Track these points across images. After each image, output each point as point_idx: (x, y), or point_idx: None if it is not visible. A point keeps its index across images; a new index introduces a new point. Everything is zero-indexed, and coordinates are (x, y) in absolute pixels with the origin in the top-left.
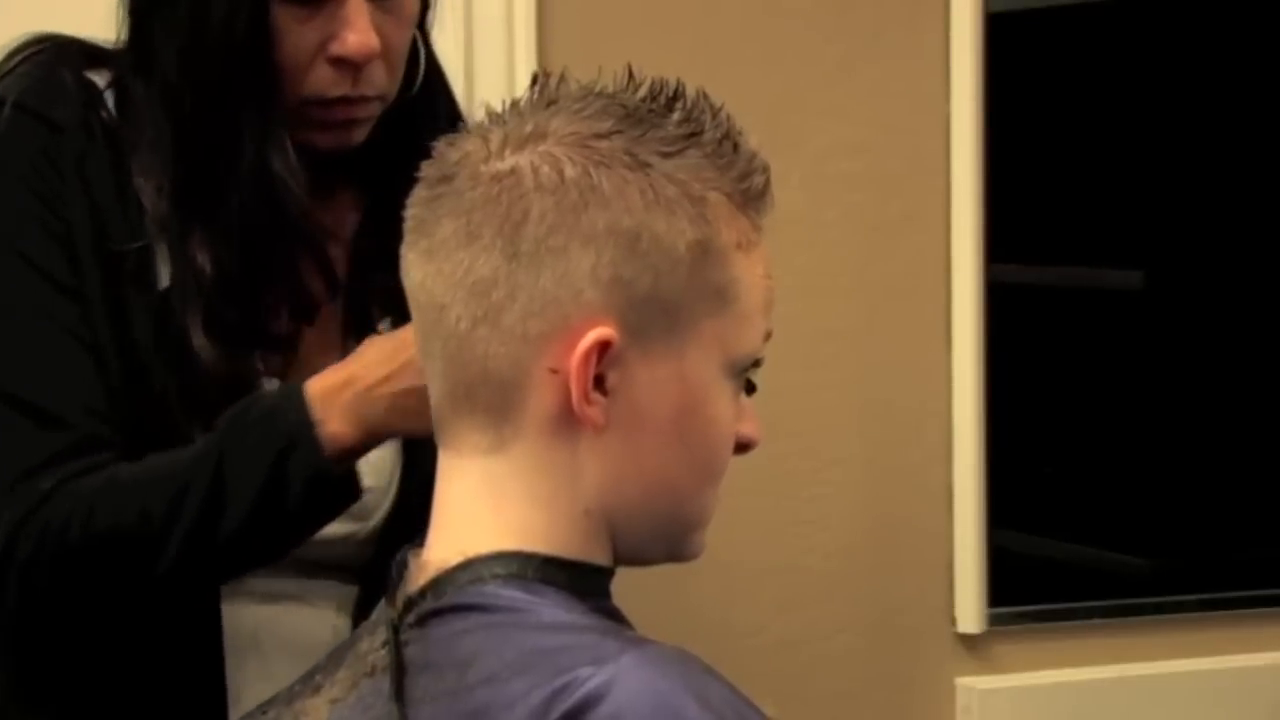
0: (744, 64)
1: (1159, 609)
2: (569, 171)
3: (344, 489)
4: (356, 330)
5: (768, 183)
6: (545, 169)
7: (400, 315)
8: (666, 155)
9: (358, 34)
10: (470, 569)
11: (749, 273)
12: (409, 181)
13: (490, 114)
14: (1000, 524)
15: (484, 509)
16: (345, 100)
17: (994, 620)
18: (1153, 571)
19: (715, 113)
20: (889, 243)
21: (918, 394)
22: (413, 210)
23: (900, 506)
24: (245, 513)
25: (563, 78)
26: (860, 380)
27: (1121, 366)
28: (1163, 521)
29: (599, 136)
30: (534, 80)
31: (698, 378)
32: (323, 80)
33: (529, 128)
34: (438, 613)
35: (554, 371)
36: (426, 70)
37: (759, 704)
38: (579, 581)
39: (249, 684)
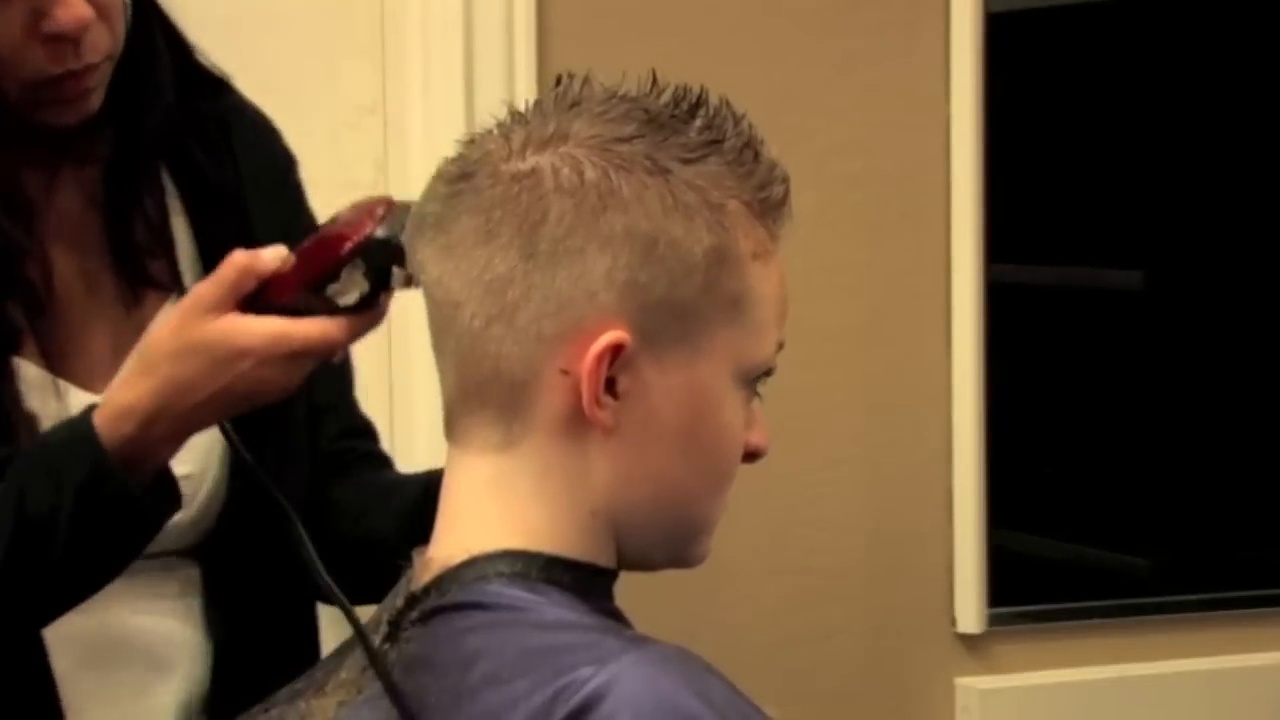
0: (744, 64)
1: (1159, 609)
2: (589, 174)
3: (165, 497)
4: (139, 297)
5: (787, 193)
6: (565, 170)
7: (177, 278)
8: (687, 161)
9: (66, 8)
10: (474, 567)
11: (764, 283)
12: (139, 130)
13: (513, 113)
14: (1000, 524)
15: (490, 506)
16: (71, 74)
17: (994, 620)
18: (1153, 571)
19: (737, 121)
20: (889, 243)
21: (918, 394)
22: (431, 207)
23: (900, 507)
24: (60, 553)
25: (586, 80)
26: (860, 380)
27: (1121, 366)
28: (1163, 521)
29: (620, 140)
30: (558, 81)
31: (709, 385)
32: (42, 61)
33: (551, 129)
34: (441, 610)
35: (565, 373)
36: (134, 11)
37: (759, 704)
38: (583, 582)
39: (91, 696)
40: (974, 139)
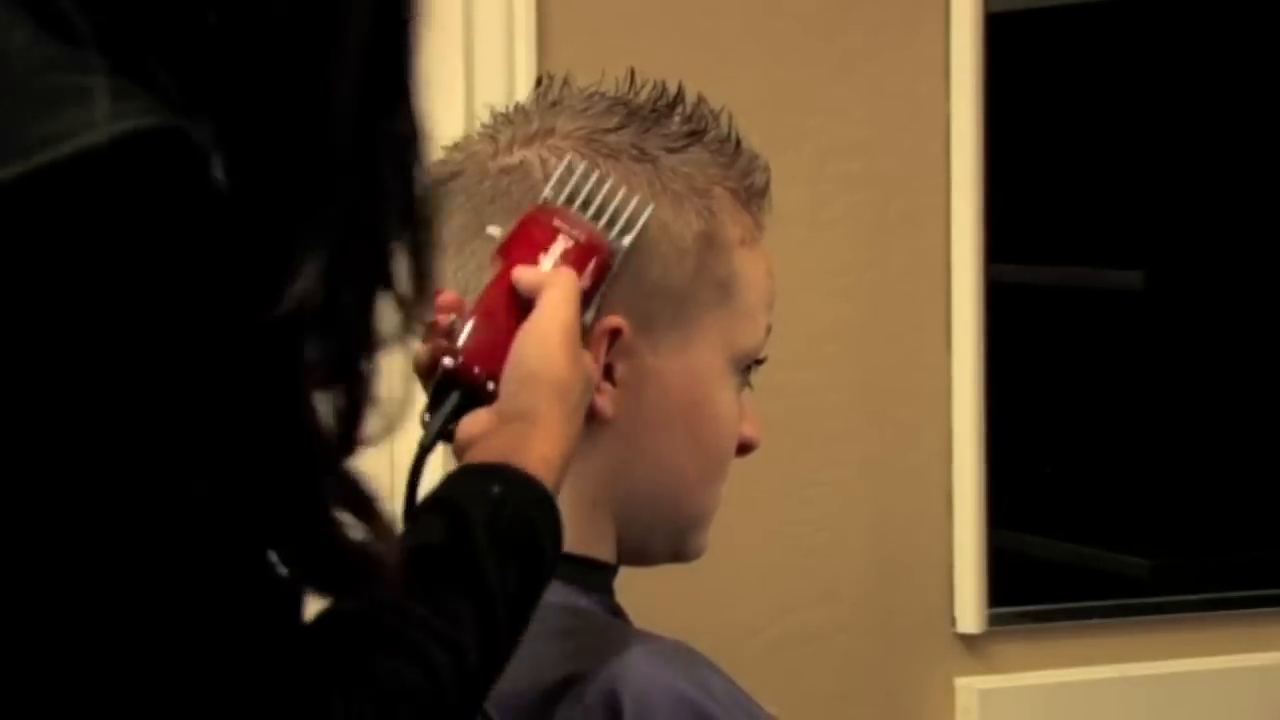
0: (744, 64)
1: (1159, 609)
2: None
3: None
4: None
5: (768, 182)
6: (553, 161)
7: None
8: (672, 150)
9: None
10: None
11: (752, 269)
12: None
13: (495, 115)
14: (1000, 524)
15: None
16: None
17: (994, 620)
18: (1153, 571)
19: (716, 116)
20: (889, 243)
21: (917, 394)
22: None
23: (900, 506)
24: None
25: (566, 81)
26: (860, 380)
27: (1121, 367)
28: (1163, 521)
29: (606, 131)
30: (538, 82)
31: (703, 372)
32: None
33: (535, 126)
34: None
35: None
36: None
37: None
38: (583, 577)
39: None
40: (974, 139)
